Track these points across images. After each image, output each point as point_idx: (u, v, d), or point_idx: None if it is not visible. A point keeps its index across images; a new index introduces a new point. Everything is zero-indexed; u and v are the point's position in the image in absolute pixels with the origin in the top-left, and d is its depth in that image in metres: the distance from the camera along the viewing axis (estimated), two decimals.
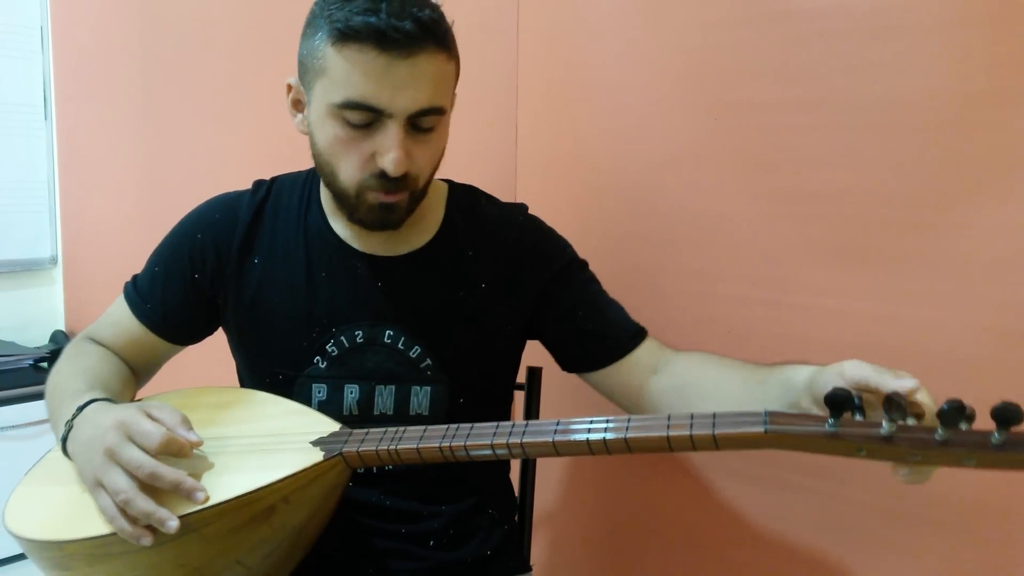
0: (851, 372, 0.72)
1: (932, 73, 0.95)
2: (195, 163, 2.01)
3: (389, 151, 0.89)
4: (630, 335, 1.02)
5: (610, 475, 1.33)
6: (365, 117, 0.89)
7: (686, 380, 0.96)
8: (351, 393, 1.01)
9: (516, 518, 1.17)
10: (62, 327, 2.57)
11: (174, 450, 0.84)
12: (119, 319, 1.08)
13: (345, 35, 0.86)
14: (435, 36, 0.88)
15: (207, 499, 0.82)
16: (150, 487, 0.81)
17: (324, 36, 0.89)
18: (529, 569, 1.14)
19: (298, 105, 0.98)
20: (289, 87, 0.98)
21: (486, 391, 1.06)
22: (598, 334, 1.03)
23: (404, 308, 1.01)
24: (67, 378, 0.99)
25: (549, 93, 1.36)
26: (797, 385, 0.80)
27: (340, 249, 1.02)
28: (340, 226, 1.03)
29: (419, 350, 1.01)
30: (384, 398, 1.01)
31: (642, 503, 1.29)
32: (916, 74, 0.96)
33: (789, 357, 1.09)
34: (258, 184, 1.09)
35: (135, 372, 1.09)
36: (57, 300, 2.59)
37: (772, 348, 1.11)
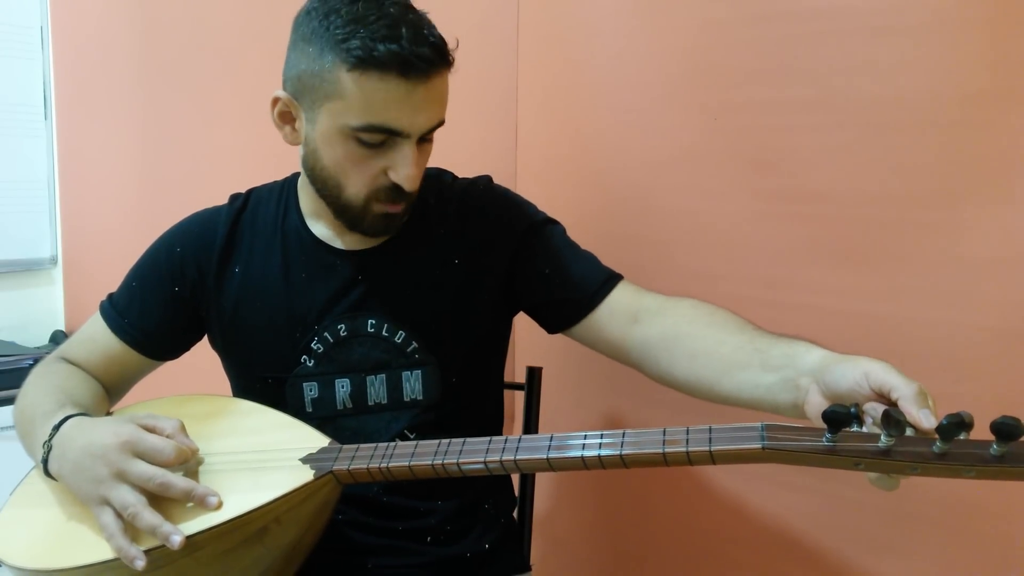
0: (877, 378, 0.69)
1: (932, 73, 0.95)
2: (195, 163, 2.01)
3: (405, 168, 0.91)
4: (599, 284, 1.00)
5: (610, 473, 1.33)
6: (381, 138, 0.90)
7: (676, 334, 0.92)
8: (343, 387, 1.01)
9: (515, 514, 1.17)
10: (62, 327, 2.56)
11: (183, 459, 0.85)
12: (94, 336, 1.08)
13: (366, 63, 0.86)
14: (445, 57, 0.91)
15: (220, 504, 0.82)
16: (155, 504, 0.82)
17: (335, 60, 0.88)
18: (529, 568, 1.14)
19: (285, 118, 0.97)
20: (276, 101, 0.96)
21: (478, 369, 1.07)
22: (567, 288, 1.01)
23: (383, 296, 1.02)
24: (35, 400, 0.98)
25: (549, 93, 1.36)
26: (803, 366, 0.79)
27: (318, 249, 1.03)
28: (319, 227, 1.04)
29: (403, 334, 1.01)
30: (376, 388, 1.01)
31: (642, 502, 1.29)
32: (916, 74, 0.96)
33: None
34: (234, 196, 1.10)
35: (108, 390, 1.08)
36: (57, 300, 2.58)
37: None
